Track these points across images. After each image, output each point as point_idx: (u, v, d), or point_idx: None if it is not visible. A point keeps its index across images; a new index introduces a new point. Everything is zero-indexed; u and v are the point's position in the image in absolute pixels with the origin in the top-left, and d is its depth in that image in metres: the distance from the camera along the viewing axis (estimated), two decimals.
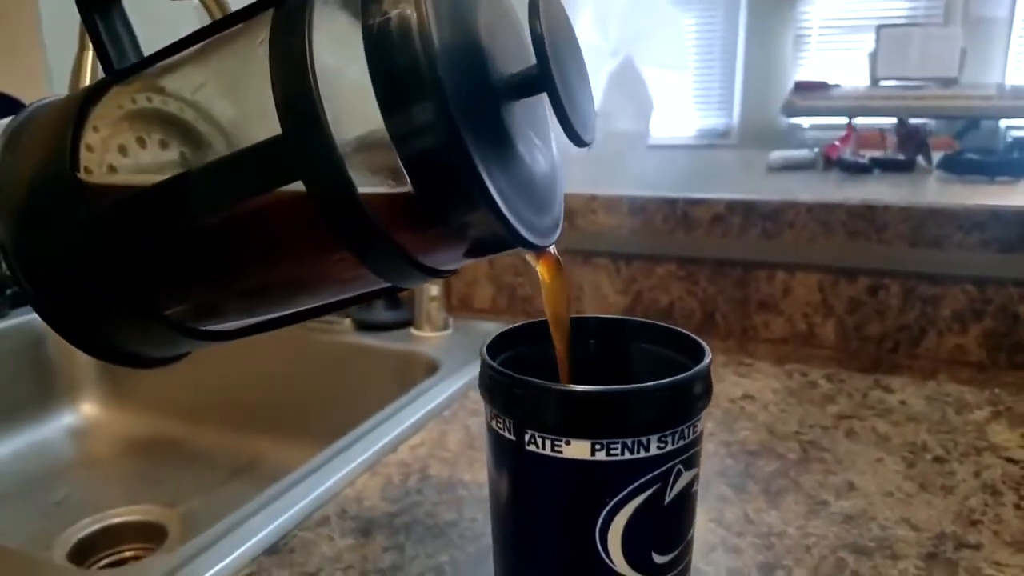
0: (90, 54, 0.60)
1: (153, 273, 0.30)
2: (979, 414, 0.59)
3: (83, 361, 0.82)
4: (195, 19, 0.73)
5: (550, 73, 0.25)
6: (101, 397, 0.84)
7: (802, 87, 3.50)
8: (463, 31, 0.26)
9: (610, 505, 0.28)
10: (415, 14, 0.23)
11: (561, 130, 0.27)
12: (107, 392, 0.84)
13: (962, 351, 0.70)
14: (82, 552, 0.64)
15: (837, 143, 0.99)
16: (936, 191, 0.82)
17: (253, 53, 0.26)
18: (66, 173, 0.28)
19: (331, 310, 0.33)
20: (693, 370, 0.29)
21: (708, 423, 0.56)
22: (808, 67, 3.86)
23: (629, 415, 0.28)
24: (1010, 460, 0.51)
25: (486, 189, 0.24)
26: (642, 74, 2.28)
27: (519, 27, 0.30)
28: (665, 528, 0.30)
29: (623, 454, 0.27)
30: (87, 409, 0.84)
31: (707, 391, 0.30)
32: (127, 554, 0.65)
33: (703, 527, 0.44)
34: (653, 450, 0.28)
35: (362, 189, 0.24)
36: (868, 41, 3.48)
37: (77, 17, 0.31)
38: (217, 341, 0.33)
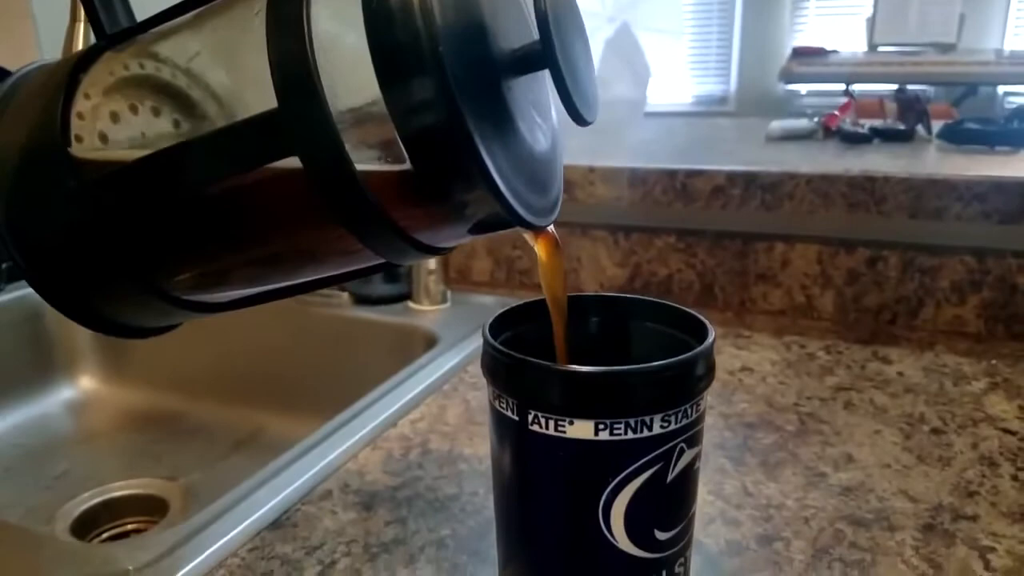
0: (82, 26, 0.59)
1: (145, 244, 0.29)
2: (976, 385, 0.59)
3: (82, 335, 0.82)
4: None
5: (553, 49, 0.25)
6: (100, 371, 0.84)
7: (800, 53, 3.47)
8: (465, 6, 0.25)
9: (613, 484, 0.28)
10: None
11: (562, 106, 0.27)
12: (106, 365, 0.84)
13: (960, 322, 0.70)
14: (84, 525, 0.64)
15: (836, 112, 0.98)
16: (936, 161, 0.82)
17: (250, 22, 0.26)
18: (56, 142, 0.28)
19: (327, 284, 0.33)
20: (697, 350, 0.29)
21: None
22: (806, 33, 3.82)
23: (633, 395, 0.27)
24: (1007, 431, 0.52)
25: (486, 168, 0.24)
26: (639, 40, 2.26)
27: (521, 2, 0.30)
28: (668, 506, 0.30)
29: (626, 434, 0.27)
30: (86, 383, 0.84)
31: (710, 370, 0.30)
32: (129, 527, 0.66)
33: (702, 499, 0.44)
34: (656, 429, 0.28)
35: (359, 166, 0.24)
36: (866, 6, 3.45)
37: None
38: (210, 312, 0.33)
